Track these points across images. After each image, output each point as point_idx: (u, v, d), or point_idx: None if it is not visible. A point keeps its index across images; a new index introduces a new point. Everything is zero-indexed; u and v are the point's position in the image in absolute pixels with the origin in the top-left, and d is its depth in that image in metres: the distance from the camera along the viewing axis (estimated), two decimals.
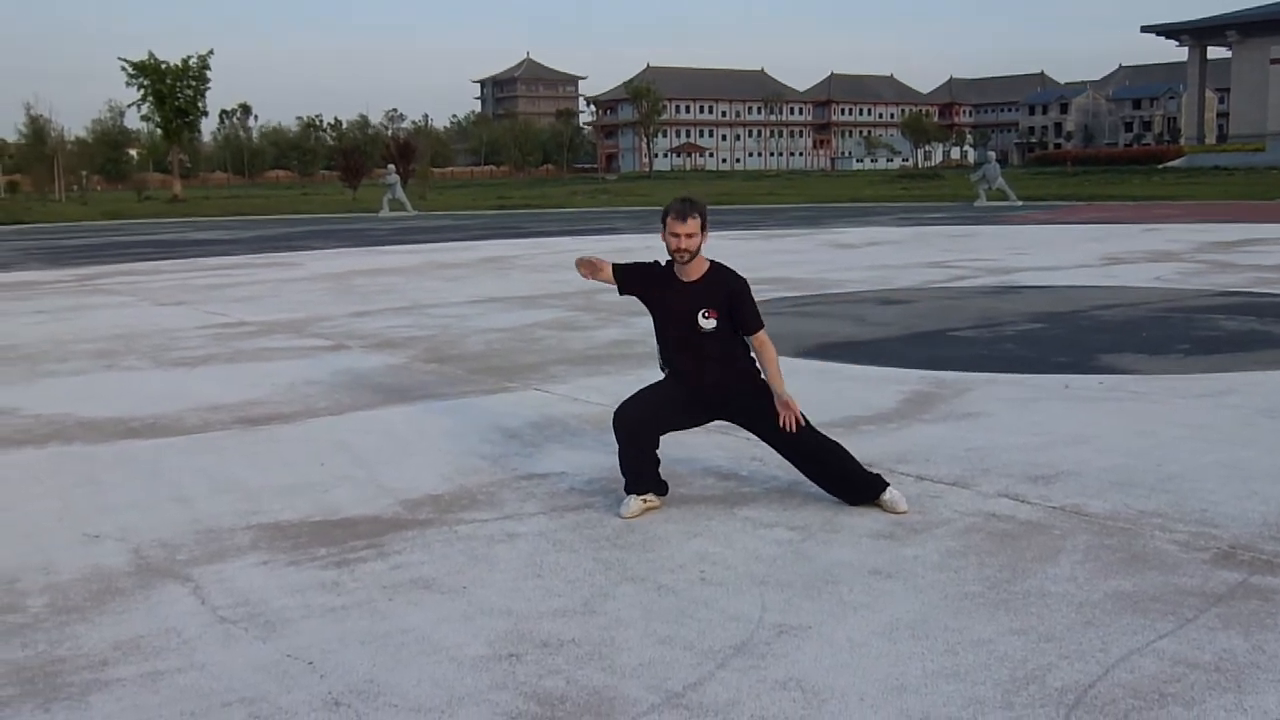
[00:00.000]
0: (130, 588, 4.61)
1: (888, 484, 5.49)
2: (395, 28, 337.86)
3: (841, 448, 5.56)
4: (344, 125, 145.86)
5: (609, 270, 5.64)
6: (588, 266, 5.67)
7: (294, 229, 35.03)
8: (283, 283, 17.53)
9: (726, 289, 5.46)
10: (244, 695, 3.62)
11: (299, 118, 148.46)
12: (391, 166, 43.24)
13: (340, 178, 60.93)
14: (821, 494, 5.69)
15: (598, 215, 39.55)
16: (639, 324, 11.83)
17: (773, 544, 4.98)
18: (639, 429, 5.56)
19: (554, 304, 13.68)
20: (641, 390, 5.80)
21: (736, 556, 4.83)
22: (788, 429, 5.37)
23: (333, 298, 15.18)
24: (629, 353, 10.09)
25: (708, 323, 5.40)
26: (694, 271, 5.47)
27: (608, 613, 4.24)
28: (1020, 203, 37.80)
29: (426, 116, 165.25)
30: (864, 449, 6.35)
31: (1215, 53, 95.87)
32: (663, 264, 5.58)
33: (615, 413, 5.67)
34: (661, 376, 5.81)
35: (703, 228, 5.40)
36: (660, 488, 5.61)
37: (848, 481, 5.49)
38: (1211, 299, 13.00)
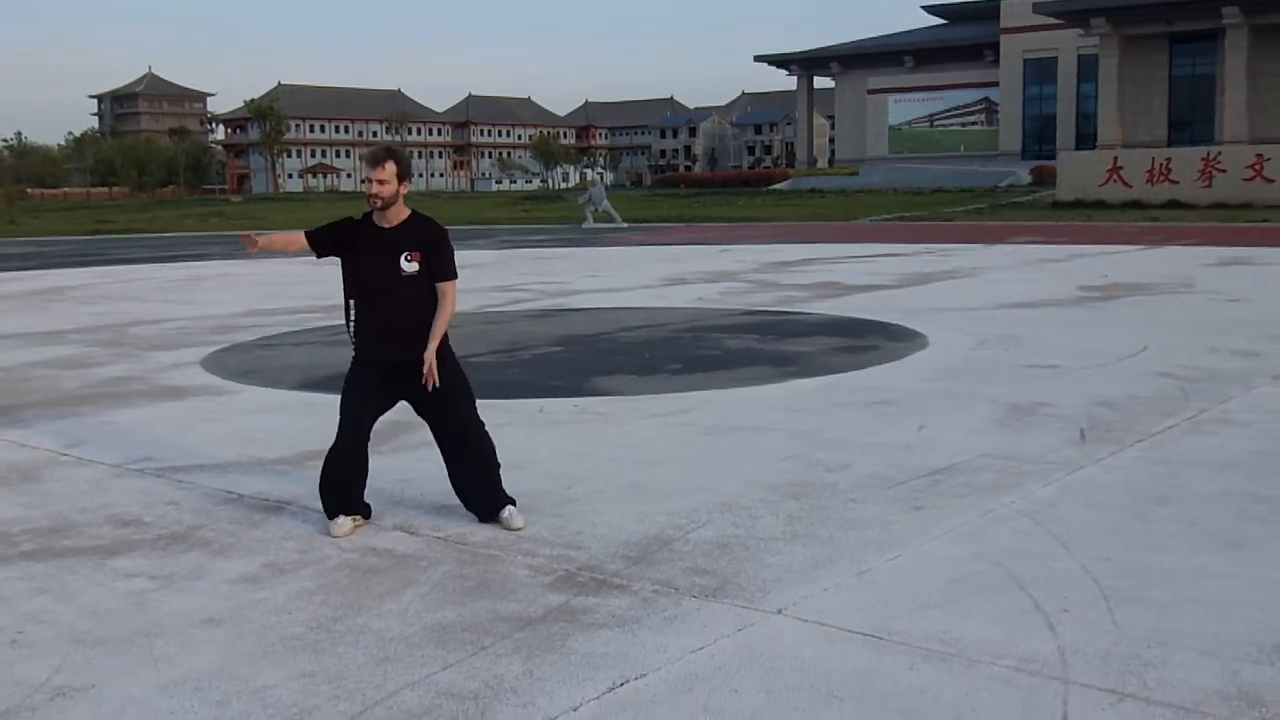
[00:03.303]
0: None
1: (510, 500, 5.69)
2: (3, 41, 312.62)
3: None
4: None
5: (301, 240, 5.64)
6: (250, 243, 5.75)
7: None
8: None
9: (428, 234, 5.55)
10: None
11: None
12: None
13: None
14: (219, 536, 5.54)
15: (199, 240, 37.87)
16: (151, 359, 11.34)
17: (120, 596, 4.78)
18: (355, 434, 5.61)
19: (77, 339, 12.89)
20: (346, 392, 5.67)
21: (71, 613, 4.59)
22: (426, 385, 5.49)
23: None
24: (121, 390, 9.59)
25: (410, 265, 5.44)
26: (393, 218, 5.50)
27: None
28: (625, 224, 39.07)
29: (19, 134, 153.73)
30: (303, 485, 6.36)
31: (825, 82, 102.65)
32: (358, 217, 5.62)
33: (343, 424, 5.62)
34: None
35: (401, 176, 5.42)
36: (366, 510, 5.70)
37: (489, 481, 5.69)
38: (733, 318, 13.77)
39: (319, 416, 8.41)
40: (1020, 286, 16.79)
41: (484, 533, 5.54)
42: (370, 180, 5.39)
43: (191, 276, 22.25)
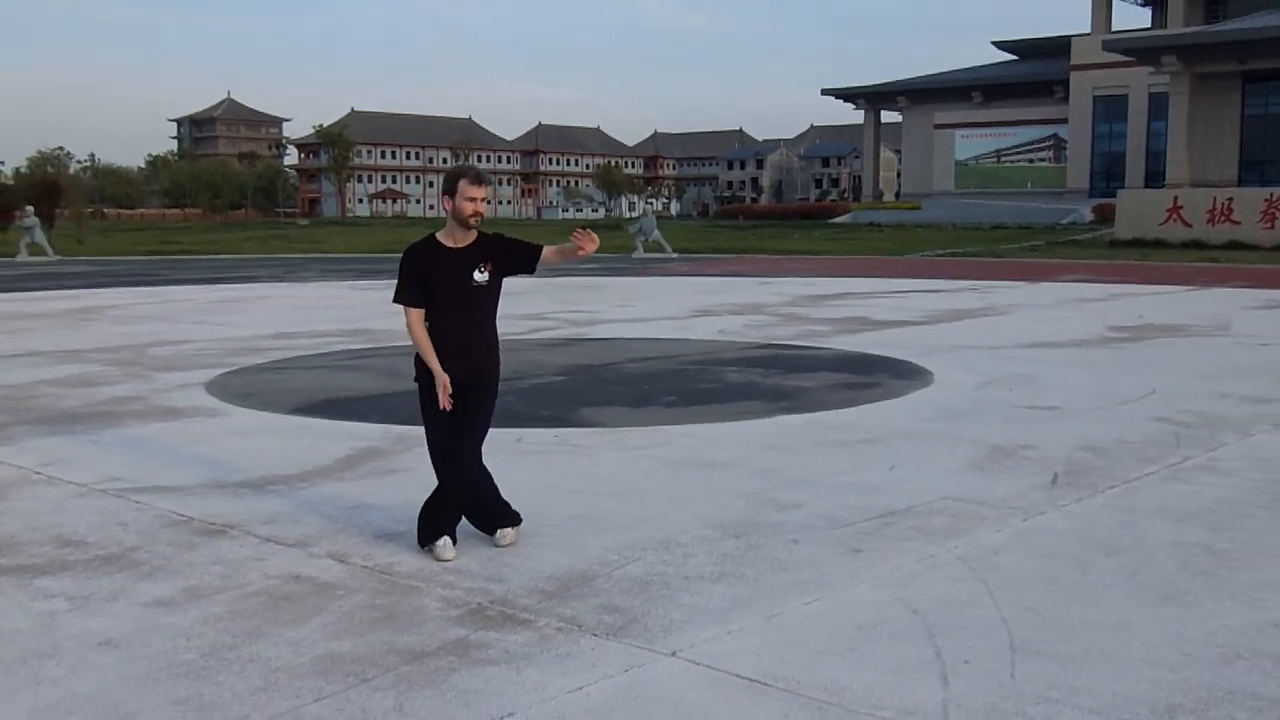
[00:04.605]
0: None
1: (450, 533, 5.65)
2: (89, 66, 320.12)
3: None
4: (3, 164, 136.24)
5: (417, 320, 5.58)
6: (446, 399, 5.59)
7: None
8: None
9: (494, 244, 5.62)
10: None
11: None
12: (30, 209, 40.78)
13: None
14: (152, 558, 5.57)
15: (252, 263, 38.42)
16: (159, 379, 11.48)
17: (31, 616, 4.81)
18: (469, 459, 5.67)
19: (96, 358, 13.10)
20: (431, 427, 5.71)
21: None
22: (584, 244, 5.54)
23: None
24: (118, 410, 9.72)
25: (481, 275, 5.56)
26: (470, 238, 5.58)
27: None
28: (675, 255, 39.11)
29: (93, 155, 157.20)
30: (255, 509, 6.39)
31: (894, 116, 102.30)
32: (417, 244, 5.67)
33: (435, 455, 5.70)
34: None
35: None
36: (514, 518, 5.88)
37: (447, 512, 5.67)
38: (747, 351, 13.68)
39: (306, 439, 8.50)
40: (1050, 325, 16.53)
41: (413, 562, 5.51)
42: (475, 199, 5.50)
43: (231, 298, 22.56)
